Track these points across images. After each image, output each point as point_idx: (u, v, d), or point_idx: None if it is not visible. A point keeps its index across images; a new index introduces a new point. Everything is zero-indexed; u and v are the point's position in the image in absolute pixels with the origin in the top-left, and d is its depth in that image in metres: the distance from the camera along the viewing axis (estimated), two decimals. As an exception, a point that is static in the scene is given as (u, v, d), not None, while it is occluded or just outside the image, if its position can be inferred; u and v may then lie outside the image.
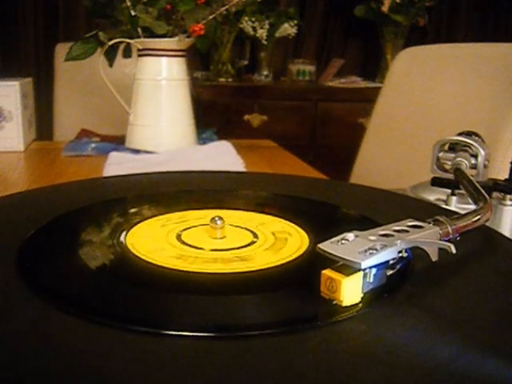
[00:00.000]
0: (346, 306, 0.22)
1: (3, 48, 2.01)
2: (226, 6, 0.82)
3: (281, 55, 2.21)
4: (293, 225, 0.33)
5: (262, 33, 1.95)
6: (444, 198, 0.43)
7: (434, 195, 0.44)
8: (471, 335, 0.20)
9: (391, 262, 0.23)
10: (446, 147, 0.43)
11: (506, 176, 0.40)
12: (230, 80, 1.98)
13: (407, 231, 0.24)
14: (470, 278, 0.26)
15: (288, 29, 2.00)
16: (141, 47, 0.83)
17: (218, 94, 1.88)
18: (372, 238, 0.23)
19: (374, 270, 0.22)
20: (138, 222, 0.33)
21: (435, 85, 0.91)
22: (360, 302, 0.22)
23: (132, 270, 0.27)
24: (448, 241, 0.25)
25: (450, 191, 0.42)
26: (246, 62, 2.11)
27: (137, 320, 0.21)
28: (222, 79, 1.97)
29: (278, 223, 0.34)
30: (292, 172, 0.75)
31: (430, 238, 0.25)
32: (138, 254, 0.28)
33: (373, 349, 0.19)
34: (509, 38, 0.87)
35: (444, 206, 0.40)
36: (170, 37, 0.82)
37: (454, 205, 0.42)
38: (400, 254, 0.24)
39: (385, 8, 1.89)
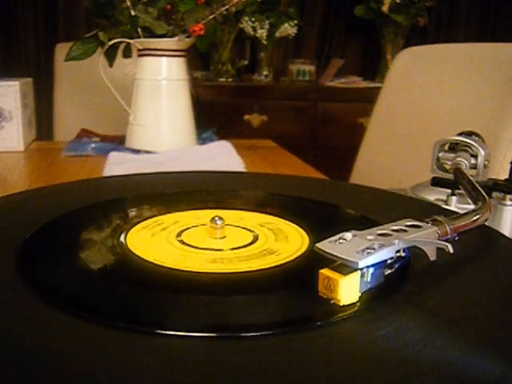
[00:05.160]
0: (343, 306, 0.22)
1: (3, 48, 2.01)
2: (226, 6, 0.82)
3: (281, 55, 2.21)
4: (293, 225, 0.33)
5: (261, 33, 1.95)
6: (444, 198, 0.43)
7: (434, 195, 0.44)
8: (469, 335, 0.20)
9: (389, 261, 0.23)
10: (446, 147, 0.43)
11: (506, 176, 0.40)
12: (230, 80, 1.98)
13: (405, 231, 0.24)
14: (469, 278, 0.26)
15: (288, 29, 2.00)
16: (141, 47, 0.83)
17: (218, 94, 1.88)
18: (370, 237, 0.23)
19: (371, 270, 0.22)
20: (138, 222, 0.33)
21: (435, 84, 0.91)
22: (358, 302, 0.22)
23: (132, 270, 0.27)
24: (446, 240, 0.25)
25: (449, 191, 0.42)
26: (246, 62, 2.11)
27: (137, 320, 0.21)
28: (221, 79, 1.97)
29: (278, 223, 0.34)
30: (292, 172, 0.76)
31: (428, 238, 0.25)
32: (137, 254, 0.28)
33: (370, 348, 0.19)
34: (509, 38, 0.87)
35: (444, 206, 0.40)
36: (170, 37, 0.82)
37: (454, 205, 0.42)
38: (398, 254, 0.24)
39: (385, 8, 1.89)
